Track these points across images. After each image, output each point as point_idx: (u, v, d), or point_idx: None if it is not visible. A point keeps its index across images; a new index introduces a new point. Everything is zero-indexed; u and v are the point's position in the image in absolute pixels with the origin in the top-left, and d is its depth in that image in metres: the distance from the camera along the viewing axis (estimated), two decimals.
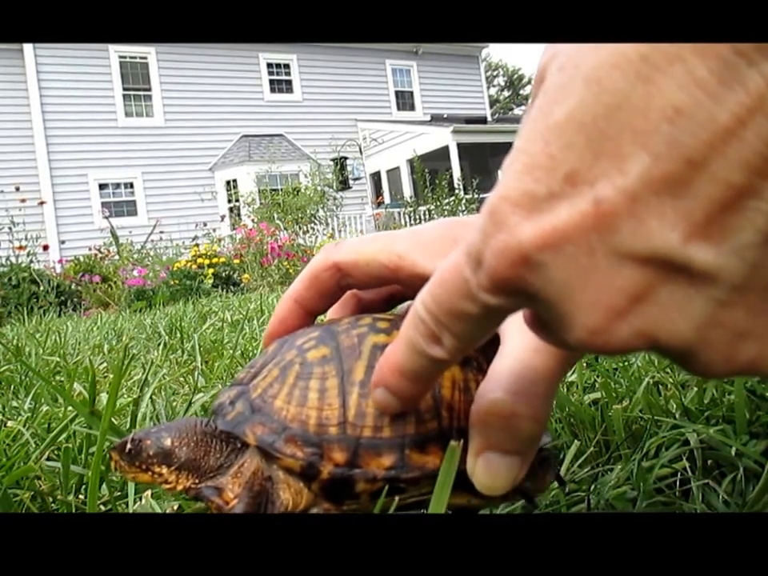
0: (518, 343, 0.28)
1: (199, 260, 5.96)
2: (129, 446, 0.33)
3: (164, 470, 0.33)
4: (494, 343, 0.34)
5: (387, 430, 0.32)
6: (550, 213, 0.19)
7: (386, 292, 0.40)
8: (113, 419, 0.59)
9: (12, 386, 1.09)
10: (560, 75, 0.20)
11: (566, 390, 0.72)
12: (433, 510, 0.28)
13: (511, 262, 0.20)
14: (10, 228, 5.72)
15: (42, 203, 9.44)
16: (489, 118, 15.75)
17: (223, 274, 5.92)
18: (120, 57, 12.05)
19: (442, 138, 13.00)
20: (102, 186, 11.80)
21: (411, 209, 11.38)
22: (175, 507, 0.49)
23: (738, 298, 0.19)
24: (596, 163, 0.19)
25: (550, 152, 0.19)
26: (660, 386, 0.68)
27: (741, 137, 0.17)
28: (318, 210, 9.46)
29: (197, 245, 6.84)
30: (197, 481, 0.33)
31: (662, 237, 0.18)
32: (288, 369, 0.33)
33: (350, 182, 13.26)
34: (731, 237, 0.18)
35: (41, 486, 0.56)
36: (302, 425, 0.32)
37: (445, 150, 12.91)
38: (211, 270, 5.81)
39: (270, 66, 13.48)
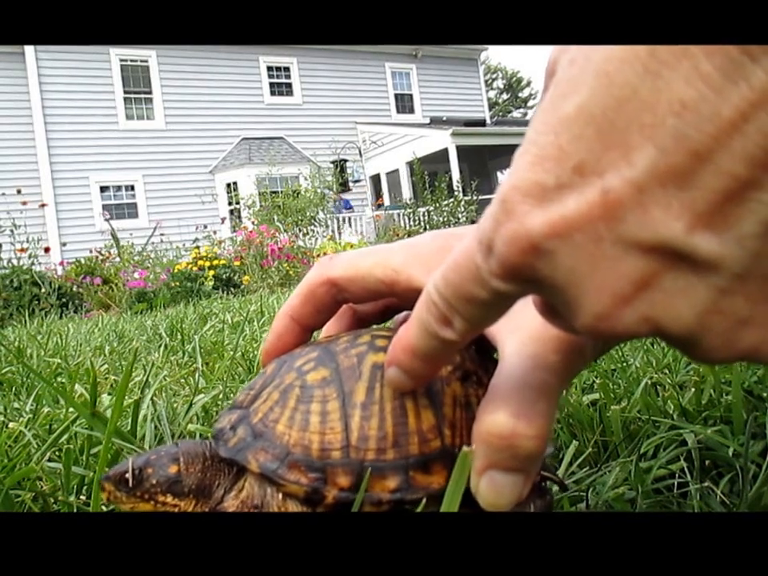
0: (516, 360, 0.28)
1: (200, 262, 5.97)
2: (128, 475, 0.32)
3: (169, 499, 0.32)
4: (490, 355, 0.34)
5: (390, 451, 0.31)
6: (559, 202, 0.20)
7: (382, 304, 0.40)
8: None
9: (14, 388, 1.09)
10: (570, 69, 0.20)
11: (564, 390, 0.72)
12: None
13: (521, 249, 0.21)
14: (11, 230, 5.72)
15: (43, 206, 9.42)
16: (488, 121, 15.76)
17: (224, 276, 5.92)
18: (121, 60, 12.06)
19: (442, 140, 13.00)
20: (103, 189, 11.81)
21: (410, 210, 11.39)
22: None
23: (738, 286, 0.19)
24: (604, 155, 0.19)
25: (559, 144, 0.20)
26: (658, 387, 0.68)
27: (744, 131, 0.17)
28: (317, 213, 9.47)
29: (197, 247, 6.85)
30: (203, 505, 0.33)
31: (666, 226, 0.19)
32: (288, 392, 0.33)
33: (350, 184, 13.27)
34: (734, 227, 0.18)
35: (42, 487, 0.57)
36: (304, 450, 0.31)
37: (444, 153, 12.91)
38: (212, 272, 5.82)
39: (270, 69, 13.49)
